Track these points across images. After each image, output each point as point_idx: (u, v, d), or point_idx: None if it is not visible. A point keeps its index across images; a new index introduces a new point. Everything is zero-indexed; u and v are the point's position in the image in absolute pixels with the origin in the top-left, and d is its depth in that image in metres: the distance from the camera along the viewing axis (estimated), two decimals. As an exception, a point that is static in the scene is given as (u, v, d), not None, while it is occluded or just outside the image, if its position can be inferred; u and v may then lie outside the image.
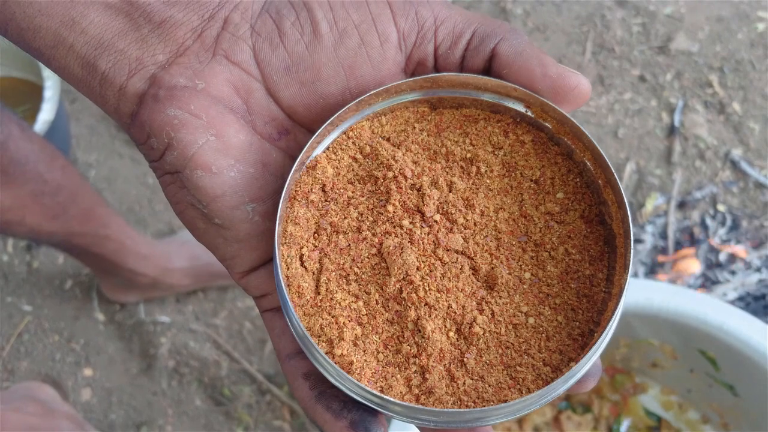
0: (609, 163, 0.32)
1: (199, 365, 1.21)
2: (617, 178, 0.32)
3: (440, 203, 0.33)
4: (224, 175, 0.32)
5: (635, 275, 1.14)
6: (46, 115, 1.18)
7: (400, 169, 0.33)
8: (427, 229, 0.33)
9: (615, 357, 0.92)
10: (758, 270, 1.17)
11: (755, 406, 0.80)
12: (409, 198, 0.33)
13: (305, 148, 0.33)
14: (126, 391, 1.21)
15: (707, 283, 1.16)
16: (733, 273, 1.18)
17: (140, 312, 1.24)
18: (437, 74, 0.33)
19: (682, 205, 1.26)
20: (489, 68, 0.34)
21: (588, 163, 0.34)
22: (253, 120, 0.33)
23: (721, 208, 1.26)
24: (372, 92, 0.33)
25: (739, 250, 1.16)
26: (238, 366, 1.21)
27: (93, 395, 1.21)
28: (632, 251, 0.31)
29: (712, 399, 0.87)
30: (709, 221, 1.24)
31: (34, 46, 0.32)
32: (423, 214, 0.33)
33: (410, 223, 0.33)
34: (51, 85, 1.22)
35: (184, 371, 1.21)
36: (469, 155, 0.34)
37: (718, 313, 0.74)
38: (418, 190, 0.33)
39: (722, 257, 1.19)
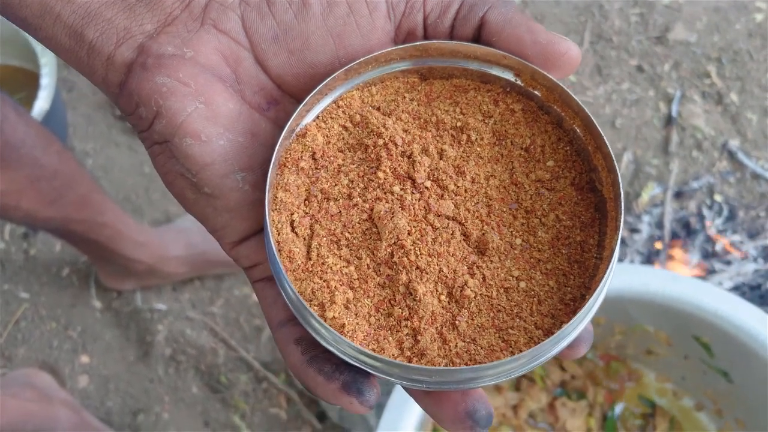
0: (599, 129, 0.32)
1: (196, 353, 1.21)
2: (607, 144, 0.32)
3: (431, 170, 0.33)
4: (213, 143, 0.32)
5: (632, 263, 1.14)
6: (42, 103, 1.18)
7: (390, 137, 0.33)
8: (417, 195, 0.33)
9: (610, 344, 0.92)
10: (755, 260, 1.17)
11: (749, 392, 0.80)
12: (399, 165, 0.33)
13: (294, 116, 0.33)
14: (123, 379, 1.21)
15: (703, 272, 1.16)
16: (728, 263, 1.18)
17: (137, 300, 1.24)
18: (427, 42, 0.33)
19: (678, 195, 1.26)
20: (478, 37, 0.34)
21: (578, 130, 0.34)
22: (242, 89, 0.33)
23: (718, 198, 1.26)
24: (361, 60, 0.33)
25: (730, 241, 1.16)
26: (234, 354, 1.21)
27: (90, 382, 1.21)
28: (622, 214, 0.31)
29: (707, 386, 0.87)
30: (705, 211, 1.24)
31: (21, 16, 0.32)
32: (414, 181, 0.33)
33: (401, 189, 0.33)
34: (47, 72, 1.21)
35: (181, 359, 1.21)
36: (459, 124, 0.34)
37: (713, 298, 0.74)
38: (409, 157, 0.33)
39: (718, 247, 1.20)
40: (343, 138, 0.34)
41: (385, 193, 0.33)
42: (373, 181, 0.33)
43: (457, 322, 0.31)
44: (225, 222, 0.34)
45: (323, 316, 0.31)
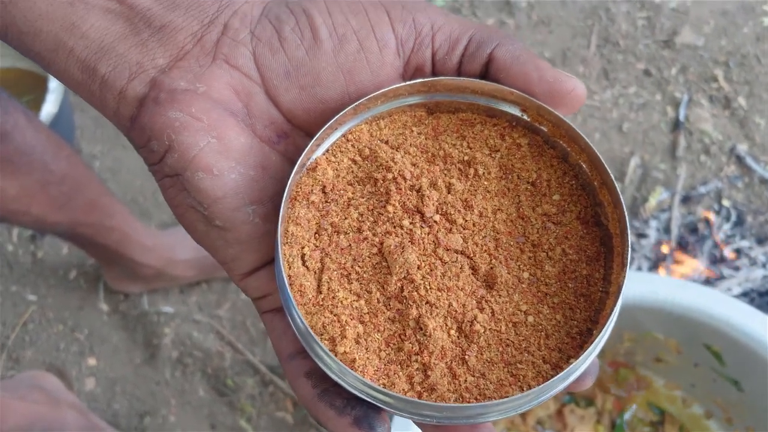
0: (605, 165, 0.33)
1: (203, 356, 1.21)
2: (613, 179, 0.33)
3: (439, 204, 0.34)
4: (225, 177, 0.32)
5: (639, 270, 1.14)
6: (50, 106, 1.18)
7: (399, 171, 0.34)
8: (427, 229, 0.33)
9: (619, 351, 0.92)
10: (763, 266, 1.17)
11: (760, 401, 0.80)
12: (408, 199, 0.34)
13: (305, 151, 0.33)
14: (129, 381, 1.21)
15: (711, 279, 1.16)
16: (737, 269, 1.18)
17: (144, 302, 1.24)
18: (435, 78, 0.34)
19: (686, 200, 1.26)
20: (486, 73, 0.34)
21: (584, 165, 0.34)
22: (254, 123, 0.34)
23: (725, 203, 1.26)
24: (371, 96, 0.33)
25: (738, 247, 1.16)
26: (241, 357, 1.21)
27: (97, 385, 1.21)
28: (629, 251, 0.32)
29: (717, 394, 0.87)
30: (713, 216, 1.24)
31: (34, 50, 0.33)
32: (423, 215, 0.33)
33: (410, 223, 0.33)
34: (56, 75, 1.22)
35: (188, 362, 1.21)
36: (466, 158, 0.35)
37: (724, 307, 0.74)
38: (418, 191, 0.34)
39: (726, 253, 1.19)
40: (352, 171, 0.35)
41: (394, 227, 0.33)
42: (382, 214, 0.34)
43: (466, 356, 0.32)
44: (235, 254, 0.34)
45: (334, 351, 0.31)
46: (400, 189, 0.34)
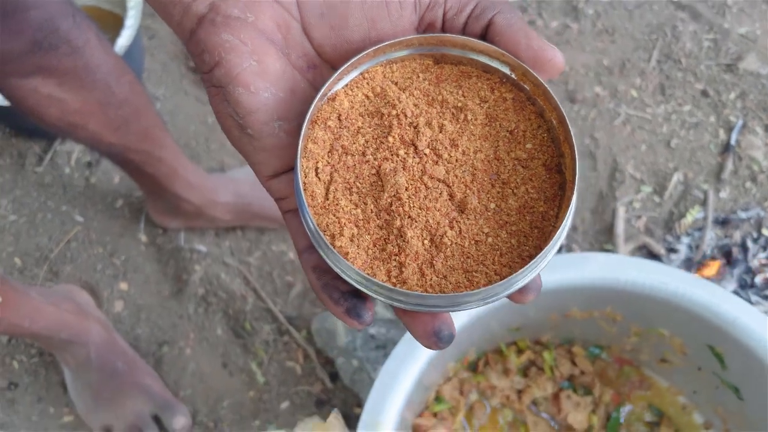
0: (568, 122, 0.39)
1: (227, 297, 1.26)
2: (572, 136, 0.39)
3: (431, 140, 0.40)
4: (260, 94, 0.39)
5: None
6: (123, 40, 1.25)
7: (402, 109, 0.41)
8: (417, 159, 0.40)
9: (625, 347, 0.92)
10: (792, 298, 1.15)
11: (758, 410, 0.79)
12: (406, 133, 0.40)
13: (328, 83, 0.40)
14: (155, 311, 1.27)
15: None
16: (766, 298, 1.16)
17: (180, 239, 1.30)
18: (443, 34, 0.41)
19: (725, 223, 1.25)
20: (485, 34, 0.40)
21: (554, 122, 0.40)
22: (289, 53, 0.40)
23: (765, 232, 1.24)
24: (388, 42, 0.40)
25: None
26: (262, 304, 1.26)
27: (124, 308, 1.28)
28: (575, 194, 0.38)
29: (717, 402, 0.87)
30: (750, 243, 1.23)
31: None
32: (416, 147, 0.40)
33: (405, 153, 0.40)
34: (133, 15, 1.29)
35: (212, 300, 1.26)
36: (459, 104, 0.41)
37: (732, 306, 0.74)
38: (415, 127, 0.41)
39: (757, 280, 1.18)
40: (364, 105, 0.42)
41: (392, 154, 0.40)
42: (383, 143, 0.40)
43: (434, 261, 0.39)
44: (262, 159, 0.41)
45: (333, 244, 0.39)
46: (401, 124, 0.40)
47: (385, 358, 0.81)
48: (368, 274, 0.38)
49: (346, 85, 0.42)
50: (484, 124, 0.41)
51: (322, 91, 0.40)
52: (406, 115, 0.40)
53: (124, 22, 1.29)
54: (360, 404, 1.15)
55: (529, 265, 0.37)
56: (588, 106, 1.39)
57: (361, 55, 0.40)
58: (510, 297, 0.38)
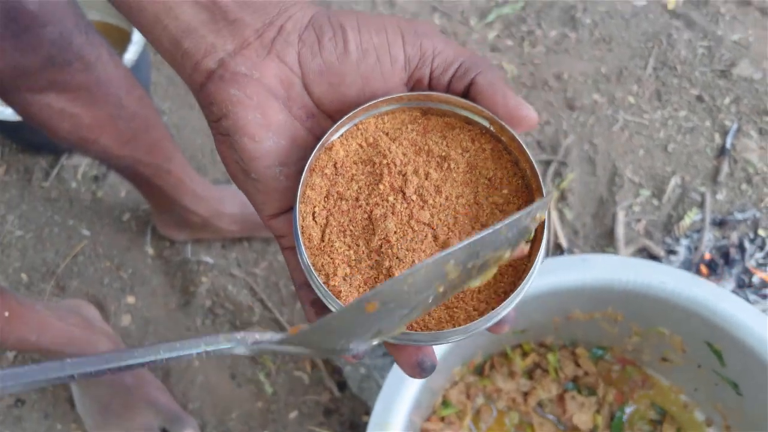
0: (538, 174, 0.43)
1: (234, 308, 1.28)
2: (542, 184, 0.43)
3: (418, 187, 0.44)
4: (263, 143, 0.42)
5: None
6: (130, 55, 1.28)
7: (392, 159, 0.44)
8: (405, 205, 0.44)
9: (626, 347, 0.94)
10: (791, 298, 1.16)
11: (758, 406, 0.81)
12: (395, 180, 0.44)
13: (326, 135, 0.44)
14: (162, 323, 1.29)
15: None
16: (765, 297, 1.18)
17: (187, 251, 1.32)
18: (429, 92, 0.45)
19: (722, 225, 1.27)
20: (468, 92, 0.44)
21: (527, 171, 0.44)
22: (291, 105, 0.44)
23: (762, 233, 1.26)
24: (380, 99, 0.44)
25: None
26: (269, 315, 1.27)
27: (132, 322, 1.29)
28: (545, 238, 0.42)
29: (717, 399, 0.88)
30: (747, 244, 1.25)
31: (136, 21, 0.43)
32: (404, 194, 0.44)
33: (394, 199, 0.44)
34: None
35: (219, 312, 1.28)
36: (444, 153, 0.45)
37: (729, 304, 0.76)
38: (404, 175, 0.44)
39: (755, 280, 1.20)
40: (358, 153, 0.45)
41: (382, 200, 0.44)
42: (375, 189, 0.44)
43: None
44: (264, 200, 0.45)
45: (327, 284, 0.42)
46: (391, 172, 0.44)
47: (393, 364, 0.82)
48: None
49: (342, 135, 0.46)
50: (465, 171, 0.45)
51: (321, 141, 0.44)
52: (395, 164, 0.44)
53: (131, 37, 1.31)
54: (368, 412, 1.16)
55: (505, 301, 0.40)
56: (586, 113, 1.42)
57: (356, 110, 0.44)
58: (487, 329, 0.42)
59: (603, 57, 1.48)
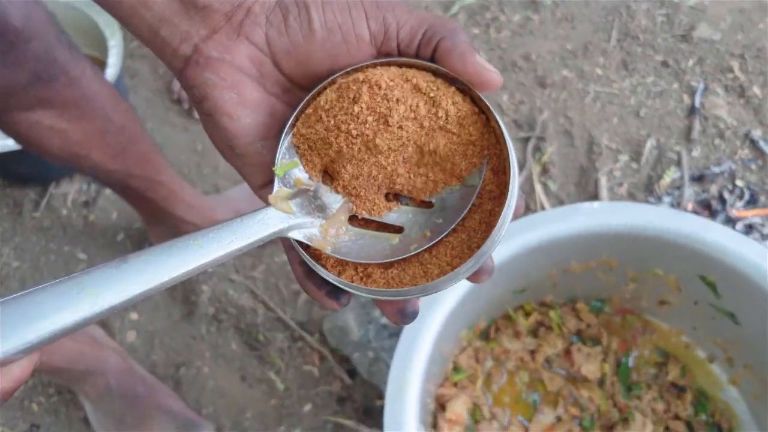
0: (507, 135, 0.43)
1: (237, 312, 1.29)
2: (509, 143, 0.43)
3: (402, 117, 0.43)
4: (242, 121, 0.45)
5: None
6: (108, 78, 1.30)
7: (376, 81, 0.43)
8: (387, 136, 0.43)
9: (624, 295, 0.97)
10: (774, 241, 1.21)
11: (755, 332, 0.84)
12: (378, 105, 0.43)
13: (302, 104, 0.45)
14: (167, 335, 1.30)
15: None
16: (749, 243, 1.22)
17: (185, 262, 1.34)
18: (398, 58, 0.45)
19: (700, 179, 1.31)
20: (434, 57, 0.45)
21: (497, 131, 0.44)
22: (264, 83, 0.46)
23: (739, 183, 1.30)
24: (349, 68, 0.44)
25: (761, 211, 1.21)
26: (273, 314, 1.29)
27: (137, 337, 1.30)
28: (512, 191, 0.41)
29: (716, 333, 0.91)
30: (727, 195, 1.29)
31: (116, 13, 0.47)
32: (387, 122, 0.43)
33: (376, 124, 0.43)
34: (115, 53, 1.35)
35: (223, 318, 1.30)
36: (432, 94, 0.44)
37: (718, 234, 0.79)
38: (387, 100, 0.43)
39: (738, 227, 1.24)
40: (337, 93, 0.45)
41: (357, 124, 0.43)
42: (350, 111, 0.43)
43: None
44: (250, 172, 0.47)
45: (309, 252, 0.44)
46: (373, 93, 0.43)
47: (398, 345, 0.84)
48: (338, 273, 0.44)
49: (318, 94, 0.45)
50: (451, 131, 0.44)
51: (297, 110, 0.44)
52: (380, 87, 0.43)
53: (107, 61, 1.34)
54: (381, 396, 1.18)
55: (475, 254, 0.41)
56: (558, 89, 1.46)
57: (326, 81, 0.44)
58: (468, 278, 0.43)
59: (567, 35, 1.53)
